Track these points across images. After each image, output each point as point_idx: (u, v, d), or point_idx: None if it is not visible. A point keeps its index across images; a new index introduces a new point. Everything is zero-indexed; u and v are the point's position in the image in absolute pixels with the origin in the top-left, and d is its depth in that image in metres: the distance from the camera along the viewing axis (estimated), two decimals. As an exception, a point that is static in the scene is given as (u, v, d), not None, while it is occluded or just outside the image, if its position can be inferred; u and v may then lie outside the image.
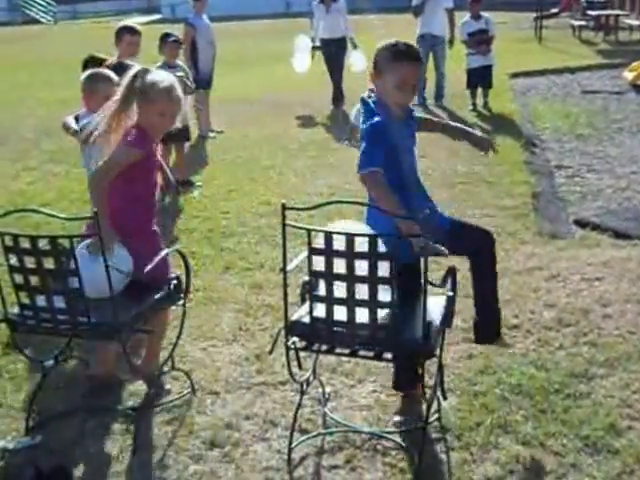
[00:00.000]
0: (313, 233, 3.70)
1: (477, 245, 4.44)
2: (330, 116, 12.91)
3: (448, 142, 10.67)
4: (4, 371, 5.05)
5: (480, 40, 13.20)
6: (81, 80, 5.83)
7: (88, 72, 5.87)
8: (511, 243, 7.00)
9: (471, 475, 3.90)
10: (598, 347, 5.08)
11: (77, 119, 6.01)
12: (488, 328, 4.66)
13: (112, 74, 5.68)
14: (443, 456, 4.06)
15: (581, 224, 7.55)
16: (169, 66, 8.89)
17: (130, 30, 8.03)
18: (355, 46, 13.89)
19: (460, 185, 8.85)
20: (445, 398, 4.38)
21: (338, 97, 14.08)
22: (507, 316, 5.53)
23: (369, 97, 4.32)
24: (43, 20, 40.45)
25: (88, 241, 4.23)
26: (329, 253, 3.68)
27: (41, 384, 4.53)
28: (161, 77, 4.51)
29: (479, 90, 13.41)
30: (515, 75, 16.51)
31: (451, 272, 4.19)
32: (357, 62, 13.20)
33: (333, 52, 13.92)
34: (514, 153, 10.23)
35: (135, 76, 4.44)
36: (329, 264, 3.68)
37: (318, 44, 14.19)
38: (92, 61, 6.55)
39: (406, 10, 15.22)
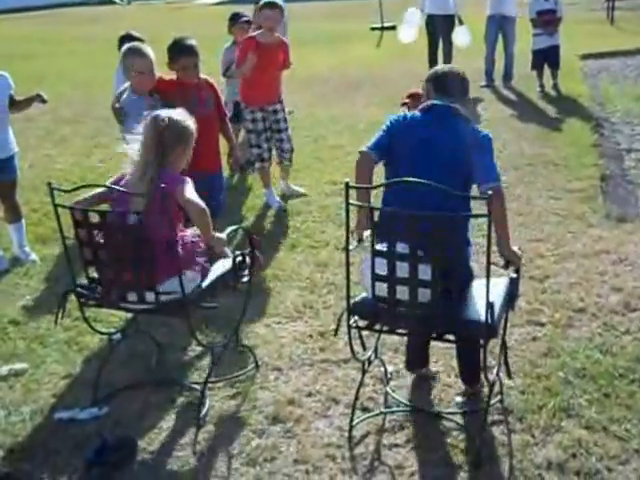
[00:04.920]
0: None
1: None
2: (396, 96, 12.83)
3: (516, 124, 10.73)
4: (73, 343, 5.18)
5: (548, 20, 12.96)
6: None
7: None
8: (578, 226, 6.92)
9: (533, 458, 3.88)
10: (665, 332, 5.02)
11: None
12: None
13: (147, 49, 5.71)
14: (504, 438, 4.05)
15: (650, 208, 7.43)
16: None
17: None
18: (461, 22, 13.67)
19: (527, 167, 8.75)
20: (510, 377, 4.39)
21: None
22: (573, 299, 5.50)
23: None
24: (117, 1, 40.81)
25: None
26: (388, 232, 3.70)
27: (108, 357, 4.65)
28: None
29: (546, 71, 13.19)
30: (585, 56, 16.19)
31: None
32: (463, 37, 13.29)
33: (439, 29, 13.61)
34: (583, 135, 10.09)
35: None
36: (391, 243, 3.69)
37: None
38: (128, 39, 6.61)
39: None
